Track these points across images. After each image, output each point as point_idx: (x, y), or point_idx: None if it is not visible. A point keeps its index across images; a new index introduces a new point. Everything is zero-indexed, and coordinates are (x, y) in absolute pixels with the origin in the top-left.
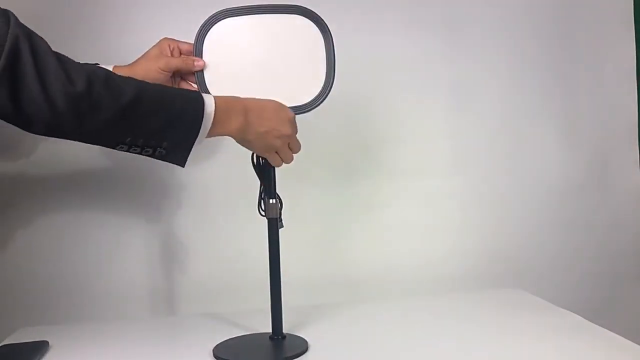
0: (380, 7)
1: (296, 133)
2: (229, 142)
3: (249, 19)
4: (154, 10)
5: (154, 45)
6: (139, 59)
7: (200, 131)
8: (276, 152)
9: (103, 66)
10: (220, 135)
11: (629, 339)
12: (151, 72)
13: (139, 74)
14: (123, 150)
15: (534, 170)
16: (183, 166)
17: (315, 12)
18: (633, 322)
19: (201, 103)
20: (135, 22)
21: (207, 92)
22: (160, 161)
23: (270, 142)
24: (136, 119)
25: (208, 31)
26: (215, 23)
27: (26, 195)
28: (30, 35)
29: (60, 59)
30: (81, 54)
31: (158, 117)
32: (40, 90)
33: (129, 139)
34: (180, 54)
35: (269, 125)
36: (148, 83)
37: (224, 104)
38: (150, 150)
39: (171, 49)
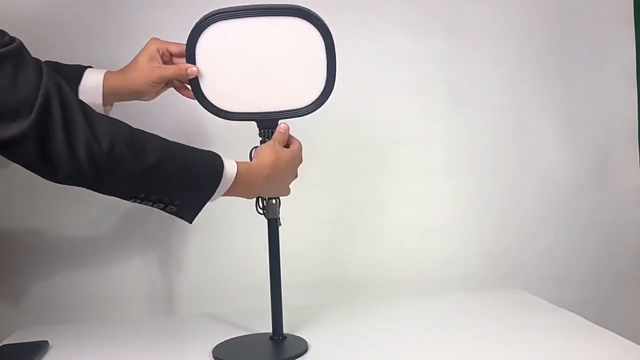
0: (380, 7)
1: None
2: (227, 141)
3: (244, 21)
4: (151, 10)
5: (142, 51)
6: (129, 66)
7: (214, 195)
8: None
9: (95, 70)
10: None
11: (629, 339)
12: (143, 86)
13: (131, 87)
14: (136, 202)
15: (533, 170)
16: (190, 223)
17: (315, 12)
18: (633, 322)
19: (220, 169)
20: (132, 21)
21: (203, 97)
22: None
23: (277, 192)
24: (155, 180)
25: (200, 34)
26: (208, 26)
27: (27, 196)
28: (60, 87)
29: (86, 112)
30: (78, 54)
31: (176, 179)
32: (65, 144)
33: (143, 194)
34: (171, 56)
35: (282, 184)
36: (171, 143)
37: (246, 174)
38: (162, 205)
39: (161, 53)
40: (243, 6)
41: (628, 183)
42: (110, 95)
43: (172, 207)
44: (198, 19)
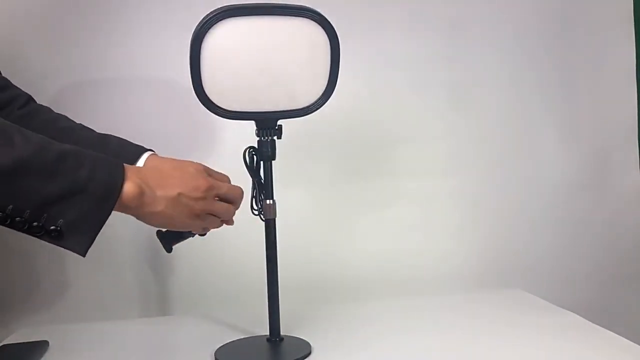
0: (380, 7)
1: (216, 189)
2: (223, 141)
3: (253, 20)
4: (151, 10)
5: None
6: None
7: (111, 209)
8: (208, 215)
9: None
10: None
11: (629, 339)
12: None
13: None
14: (4, 224)
15: (533, 170)
16: (84, 255)
17: (324, 15)
18: (633, 322)
19: (121, 171)
20: (132, 21)
21: (204, 94)
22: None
23: (187, 207)
24: (28, 179)
25: (208, 31)
26: (216, 22)
27: None
28: None
29: None
30: (78, 54)
31: (58, 181)
32: None
33: (11, 205)
34: None
35: (175, 188)
36: (51, 140)
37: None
38: (39, 227)
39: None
40: (253, 4)
41: (628, 183)
42: None
43: (56, 228)
44: (204, 16)
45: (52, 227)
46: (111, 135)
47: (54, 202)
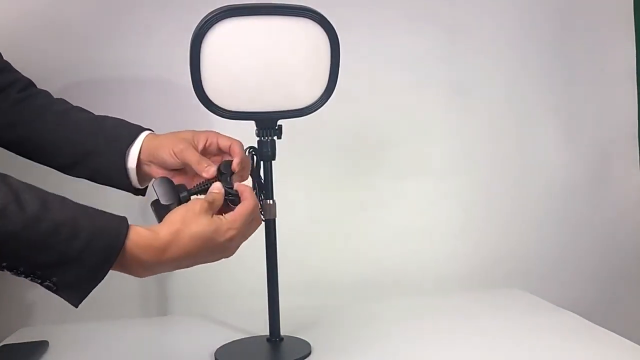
0: (381, 6)
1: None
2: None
3: (254, 19)
4: (150, 10)
5: (197, 131)
6: (174, 133)
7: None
8: None
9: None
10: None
11: (629, 339)
12: (164, 149)
13: (158, 148)
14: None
15: (534, 170)
16: (76, 306)
17: (324, 15)
18: (633, 322)
19: (116, 243)
20: (131, 22)
21: (204, 94)
22: None
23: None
24: (17, 247)
25: (208, 30)
26: (217, 22)
27: None
28: None
29: None
30: (77, 55)
31: (48, 250)
32: None
33: (5, 263)
34: (219, 148)
35: (195, 261)
36: (52, 200)
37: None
38: (38, 280)
39: (208, 143)
40: (253, 4)
41: (628, 183)
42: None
43: (50, 284)
44: (204, 16)
45: (45, 283)
46: (108, 116)
47: (45, 268)
